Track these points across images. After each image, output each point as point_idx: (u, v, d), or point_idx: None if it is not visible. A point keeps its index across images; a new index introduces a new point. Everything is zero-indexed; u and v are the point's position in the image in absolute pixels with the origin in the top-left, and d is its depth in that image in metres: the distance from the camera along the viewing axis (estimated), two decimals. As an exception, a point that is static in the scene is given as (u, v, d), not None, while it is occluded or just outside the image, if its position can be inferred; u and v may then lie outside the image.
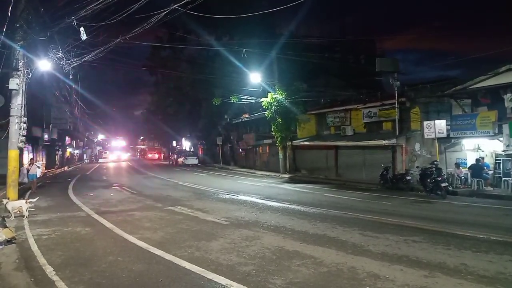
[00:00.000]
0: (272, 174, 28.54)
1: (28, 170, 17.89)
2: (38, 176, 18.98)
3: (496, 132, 16.59)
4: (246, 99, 29.25)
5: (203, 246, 7.56)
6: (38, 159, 20.86)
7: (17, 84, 12.28)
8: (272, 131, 28.64)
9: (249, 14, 13.08)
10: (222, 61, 29.04)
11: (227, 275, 5.76)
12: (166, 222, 10.38)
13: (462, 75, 19.42)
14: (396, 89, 20.53)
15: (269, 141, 31.90)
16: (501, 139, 16.50)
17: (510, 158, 16.81)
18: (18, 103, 12.43)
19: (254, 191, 17.36)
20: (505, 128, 16.13)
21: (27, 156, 24.21)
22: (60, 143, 43.67)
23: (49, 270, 6.16)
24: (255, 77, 25.65)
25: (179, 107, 44.84)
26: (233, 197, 15.66)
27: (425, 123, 18.37)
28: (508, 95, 16.73)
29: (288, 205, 13.23)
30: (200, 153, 52.36)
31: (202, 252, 7.12)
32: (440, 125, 17.55)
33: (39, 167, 19.83)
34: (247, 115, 35.97)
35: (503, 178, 16.54)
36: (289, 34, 29.18)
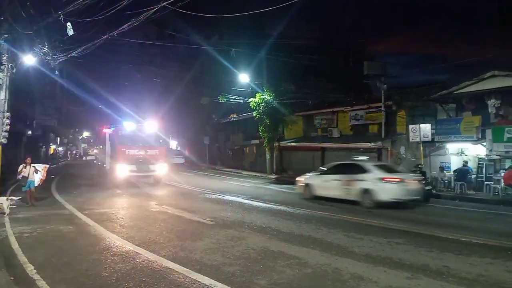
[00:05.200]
0: (259, 174, 28.55)
1: (21, 173, 12.86)
2: (36, 185, 13.14)
3: (480, 137, 16.90)
4: (234, 99, 29.22)
5: (188, 246, 7.52)
6: (28, 157, 13.88)
7: (0, 78, 12.05)
8: (259, 131, 28.65)
9: (237, 14, 13.06)
10: (210, 61, 28.96)
11: (211, 275, 5.73)
12: (151, 221, 10.30)
13: (449, 80, 19.64)
14: (382, 92, 20.75)
15: (257, 141, 31.91)
16: (484, 144, 16.80)
17: (492, 163, 17.14)
18: (1, 98, 12.20)
19: (241, 191, 17.34)
20: (488, 133, 16.43)
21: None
22: (44, 140, 42.96)
23: (30, 269, 6.05)
24: (243, 77, 25.67)
25: (165, 105, 44.44)
26: (219, 197, 15.62)
27: (410, 126, 18.61)
28: (492, 100, 17.07)
29: (274, 206, 13.25)
30: (186, 152, 52.05)
31: (187, 252, 7.07)
32: (425, 129, 17.81)
33: (38, 171, 13.17)
34: (235, 115, 35.92)
35: (485, 182, 16.85)
36: (278, 35, 29.26)
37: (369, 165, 13.98)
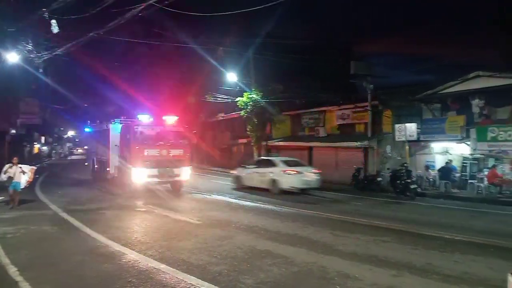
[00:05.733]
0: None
1: (6, 173, 12.04)
2: (23, 187, 12.37)
3: (464, 136, 17.16)
4: (222, 98, 29.13)
5: (174, 246, 7.48)
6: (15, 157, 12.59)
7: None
8: (247, 131, 28.60)
9: (224, 13, 13.03)
10: (198, 60, 28.82)
11: (198, 275, 5.71)
12: (137, 221, 10.22)
13: (435, 80, 19.92)
14: (369, 92, 20.92)
15: (244, 140, 31.86)
16: (468, 143, 17.08)
17: (476, 162, 17.43)
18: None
19: (228, 191, 17.32)
20: (472, 132, 16.71)
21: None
22: (28, 139, 42.21)
23: (13, 270, 5.94)
24: (231, 77, 25.61)
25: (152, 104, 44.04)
26: (206, 196, 15.57)
27: (396, 126, 18.80)
28: (476, 101, 17.34)
29: (260, 205, 13.26)
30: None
31: (173, 252, 7.03)
32: (411, 128, 18.03)
33: (25, 173, 12.34)
34: (222, 114, 35.81)
35: (469, 181, 17.13)
36: (266, 35, 29.24)
37: (277, 160, 17.41)
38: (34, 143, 48.61)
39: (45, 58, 14.10)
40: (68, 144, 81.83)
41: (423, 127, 18.75)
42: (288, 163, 16.88)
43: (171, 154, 15.47)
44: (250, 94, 26.82)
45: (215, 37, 28.67)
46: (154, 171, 14.89)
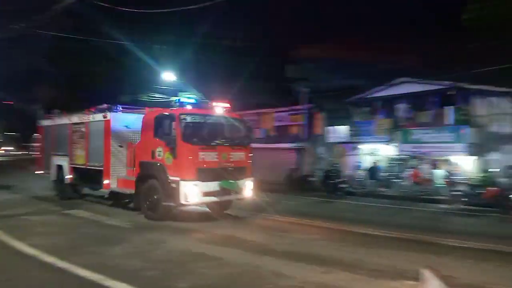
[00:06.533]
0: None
1: None
2: None
3: (390, 138, 18.35)
4: (158, 98, 28.40)
5: (103, 252, 7.13)
6: None
7: None
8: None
9: (159, 10, 12.75)
10: (134, 59, 27.87)
11: (129, 281, 5.48)
12: (64, 227, 9.60)
13: (365, 85, 21.09)
14: (304, 95, 21.63)
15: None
16: (394, 144, 18.28)
17: (401, 162, 18.71)
18: None
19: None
20: (398, 135, 17.94)
21: None
22: None
23: None
24: (168, 76, 25.10)
25: (84, 103, 41.80)
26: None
27: (329, 128, 19.66)
28: (401, 105, 18.64)
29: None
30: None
31: (102, 258, 6.70)
32: (342, 130, 18.96)
33: None
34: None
35: (394, 180, 18.31)
36: (206, 35, 29.04)
37: None
38: None
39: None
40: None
41: (354, 129, 19.75)
42: None
43: (231, 159, 10.61)
44: (186, 94, 26.46)
45: (151, 36, 27.94)
46: (214, 186, 9.92)
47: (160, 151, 10.06)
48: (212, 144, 10.14)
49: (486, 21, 13.10)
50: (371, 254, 7.19)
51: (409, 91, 18.10)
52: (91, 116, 12.75)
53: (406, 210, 13.67)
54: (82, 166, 12.97)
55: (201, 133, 10.30)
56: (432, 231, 9.53)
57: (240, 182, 10.52)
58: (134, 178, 10.73)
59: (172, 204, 9.72)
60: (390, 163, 19.27)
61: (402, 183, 17.57)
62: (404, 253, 7.38)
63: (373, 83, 19.95)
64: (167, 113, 10.40)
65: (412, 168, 17.60)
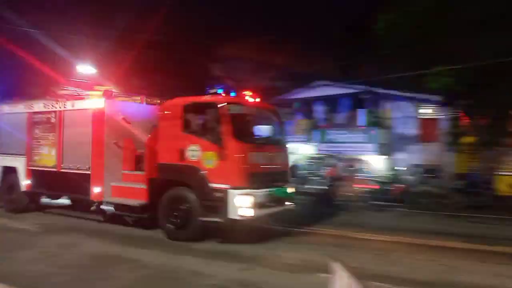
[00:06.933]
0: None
1: None
2: None
3: (309, 137, 19.20)
4: (73, 91, 26.56)
5: (6, 258, 6.50)
6: None
7: None
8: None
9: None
10: (43, 49, 25.75)
11: (33, 288, 5.07)
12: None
13: (287, 86, 21.77)
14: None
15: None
16: (313, 144, 19.16)
17: (320, 160, 19.62)
18: None
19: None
20: (316, 134, 18.81)
21: None
22: None
23: None
24: (83, 68, 23.60)
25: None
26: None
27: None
28: (318, 106, 19.62)
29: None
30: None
31: (4, 265, 6.11)
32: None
33: None
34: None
35: (313, 178, 19.14)
36: (123, 28, 27.76)
37: None
38: None
39: None
40: None
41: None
42: None
43: (278, 160, 8.87)
44: (104, 88, 25.14)
45: (67, 25, 26.01)
46: (267, 195, 7.97)
47: (194, 151, 7.83)
48: (264, 143, 8.57)
49: (397, 30, 14.08)
50: (290, 250, 7.41)
51: (326, 94, 19.09)
52: (68, 103, 10.24)
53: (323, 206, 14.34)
54: (51, 169, 10.05)
55: (251, 129, 8.70)
56: (343, 225, 10.17)
57: (290, 189, 9.01)
58: (143, 186, 8.52)
59: (216, 219, 7.48)
60: (309, 162, 20.09)
61: (321, 180, 18.40)
62: (318, 247, 7.73)
63: (296, 84, 20.65)
64: (207, 101, 8.18)
65: (329, 166, 18.53)
